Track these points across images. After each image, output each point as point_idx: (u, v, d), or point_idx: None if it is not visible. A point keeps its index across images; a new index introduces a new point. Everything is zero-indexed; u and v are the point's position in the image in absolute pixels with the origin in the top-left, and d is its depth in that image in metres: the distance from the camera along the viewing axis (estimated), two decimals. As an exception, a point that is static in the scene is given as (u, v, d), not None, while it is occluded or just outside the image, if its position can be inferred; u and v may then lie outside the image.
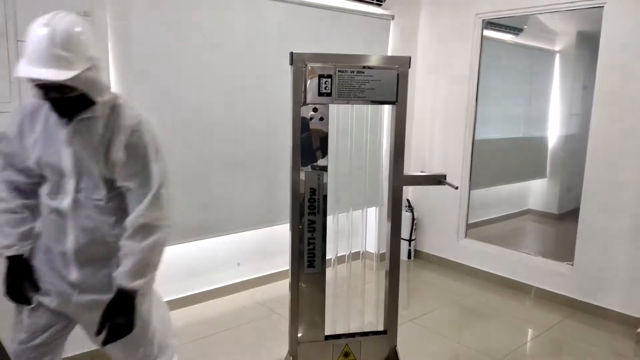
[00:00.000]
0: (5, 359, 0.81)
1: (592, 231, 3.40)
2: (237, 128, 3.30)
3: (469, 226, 4.32)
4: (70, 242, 1.64)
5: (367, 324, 2.58)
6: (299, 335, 2.31)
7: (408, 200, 4.47)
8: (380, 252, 2.65)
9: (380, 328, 2.46)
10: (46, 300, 1.70)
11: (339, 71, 2.09)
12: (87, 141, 1.59)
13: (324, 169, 2.20)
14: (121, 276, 1.59)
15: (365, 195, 2.60)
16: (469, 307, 3.60)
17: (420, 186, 4.47)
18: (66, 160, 1.60)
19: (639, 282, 3.13)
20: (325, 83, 2.09)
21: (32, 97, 1.60)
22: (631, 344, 3.03)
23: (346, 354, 2.36)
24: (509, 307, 3.56)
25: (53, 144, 1.60)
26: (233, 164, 3.30)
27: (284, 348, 2.43)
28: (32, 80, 1.45)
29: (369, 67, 2.12)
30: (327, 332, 2.36)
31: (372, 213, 4.01)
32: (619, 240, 3.28)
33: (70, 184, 1.62)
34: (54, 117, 1.59)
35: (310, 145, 2.18)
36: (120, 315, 1.60)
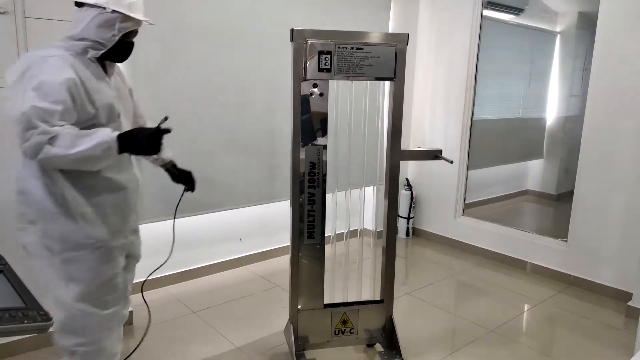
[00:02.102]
0: (36, 307, 0.88)
1: (587, 209, 3.48)
2: (239, 105, 3.36)
3: (467, 206, 4.40)
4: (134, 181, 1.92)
5: (364, 295, 2.67)
6: (299, 303, 2.40)
7: (407, 179, 4.54)
8: (378, 230, 2.73)
9: (378, 298, 2.56)
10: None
11: (339, 47, 2.15)
12: (122, 87, 1.90)
13: (324, 146, 2.28)
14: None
15: (364, 173, 2.68)
16: (465, 281, 3.70)
17: (419, 166, 4.55)
18: (117, 104, 1.81)
19: (630, 258, 3.21)
20: (325, 59, 2.15)
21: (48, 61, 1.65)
22: (622, 316, 3.13)
23: (344, 322, 2.46)
24: (504, 282, 3.66)
25: (103, 91, 1.76)
26: (234, 141, 3.37)
27: (285, 318, 2.53)
28: (138, 24, 1.75)
29: (368, 44, 2.18)
30: (326, 301, 2.46)
31: (370, 191, 4.09)
32: (612, 217, 3.36)
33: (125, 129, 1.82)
34: (92, 67, 1.74)
35: (310, 121, 2.25)
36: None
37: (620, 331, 2.96)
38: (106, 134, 1.64)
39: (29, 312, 0.87)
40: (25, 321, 0.84)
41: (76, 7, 1.73)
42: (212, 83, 3.19)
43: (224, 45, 3.21)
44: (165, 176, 2.18)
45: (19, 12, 2.25)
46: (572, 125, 5.10)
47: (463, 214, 4.37)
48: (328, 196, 2.36)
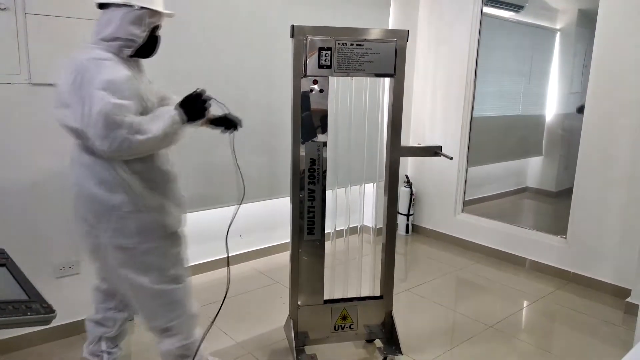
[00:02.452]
0: (39, 299, 0.89)
1: (586, 205, 3.49)
2: (238, 101, 3.36)
3: (467, 203, 4.41)
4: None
5: (364, 291, 2.68)
6: (299, 299, 2.41)
7: (407, 176, 4.55)
8: (378, 226, 2.73)
9: (377, 294, 2.57)
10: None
11: (339, 44, 2.15)
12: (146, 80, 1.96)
13: (324, 143, 2.28)
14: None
15: (364, 170, 2.69)
16: (464, 278, 3.71)
17: (419, 163, 4.56)
18: (151, 97, 1.90)
19: (629, 254, 3.22)
20: (325, 55, 2.15)
21: (95, 57, 1.74)
22: (620, 313, 3.14)
23: (344, 317, 2.47)
24: (503, 278, 3.67)
25: (143, 86, 1.86)
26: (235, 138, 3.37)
27: (284, 314, 2.54)
28: (162, 18, 1.86)
29: (368, 40, 2.18)
30: (326, 297, 2.47)
31: (370, 188, 4.10)
32: (611, 214, 3.36)
33: None
34: (129, 64, 1.83)
35: (310, 117, 2.25)
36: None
37: (618, 327, 2.97)
38: (169, 110, 1.80)
39: (32, 304, 0.88)
40: (29, 313, 0.85)
41: (100, 9, 1.80)
42: (211, 79, 3.19)
43: (224, 42, 3.21)
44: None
45: (19, 8, 2.25)
46: (571, 122, 5.11)
47: (463, 210, 4.38)
48: (328, 193, 2.37)
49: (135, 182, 1.82)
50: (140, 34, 1.80)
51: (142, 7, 1.76)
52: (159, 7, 1.82)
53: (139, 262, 1.89)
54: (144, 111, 1.80)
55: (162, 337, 2.04)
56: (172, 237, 1.96)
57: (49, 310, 0.89)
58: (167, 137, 1.77)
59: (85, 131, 1.69)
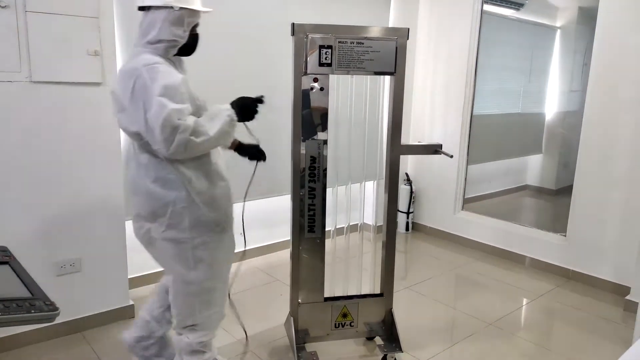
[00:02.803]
0: (42, 297, 0.90)
1: (585, 203, 3.50)
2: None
3: (466, 201, 4.42)
4: None
5: (364, 289, 2.69)
6: (300, 297, 2.42)
7: (407, 174, 4.55)
8: (378, 224, 2.74)
9: (377, 291, 2.57)
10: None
11: (339, 42, 2.15)
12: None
13: (324, 141, 2.29)
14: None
15: (364, 168, 2.69)
16: (464, 276, 3.72)
17: (419, 161, 4.56)
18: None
19: (629, 252, 3.23)
20: (325, 53, 2.15)
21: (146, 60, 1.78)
22: (620, 310, 3.15)
23: (344, 315, 2.48)
24: (503, 276, 3.68)
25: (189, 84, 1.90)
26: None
27: (285, 311, 2.55)
28: (200, 16, 1.90)
29: (369, 38, 2.18)
30: (326, 295, 2.48)
31: (370, 186, 4.11)
32: (611, 212, 3.37)
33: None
34: (176, 65, 1.91)
35: (310, 115, 2.25)
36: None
37: (618, 325, 2.98)
38: (224, 109, 1.87)
39: (36, 302, 0.88)
40: (32, 311, 0.86)
41: (141, 12, 1.86)
42: (210, 77, 3.19)
43: (224, 41, 3.21)
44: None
45: (20, 6, 2.26)
46: (571, 120, 5.11)
47: (462, 208, 4.39)
48: (328, 190, 2.37)
49: (189, 179, 1.88)
50: (182, 34, 1.86)
51: (181, 8, 1.81)
52: (197, 6, 1.87)
53: (189, 256, 1.94)
54: (196, 110, 1.86)
55: (186, 331, 2.07)
56: (222, 233, 2.03)
57: (53, 307, 0.89)
58: (223, 137, 1.87)
59: (146, 134, 1.77)
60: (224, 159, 2.09)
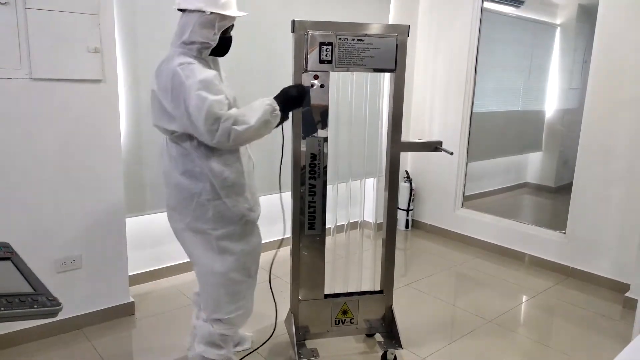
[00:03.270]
0: (45, 292, 0.91)
1: (585, 200, 3.50)
2: (237, 96, 3.35)
3: (466, 198, 4.42)
4: None
5: (364, 286, 2.69)
6: (300, 294, 2.43)
7: (407, 172, 4.56)
8: (378, 222, 2.74)
9: (377, 288, 2.58)
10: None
11: (340, 39, 2.15)
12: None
13: (325, 139, 2.29)
14: None
15: (365, 165, 2.69)
16: (464, 273, 3.73)
17: (418, 158, 4.57)
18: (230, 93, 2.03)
19: (628, 250, 3.24)
20: (326, 50, 2.15)
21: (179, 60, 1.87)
22: (619, 307, 3.16)
23: (344, 312, 2.48)
24: (503, 273, 3.69)
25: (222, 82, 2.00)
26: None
27: (285, 309, 2.56)
28: (233, 19, 1.97)
29: (369, 35, 2.18)
30: (327, 292, 2.48)
31: (370, 184, 4.11)
32: (610, 209, 3.38)
33: None
34: (209, 64, 1.98)
35: (310, 113, 2.25)
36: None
37: (617, 321, 2.99)
38: (265, 99, 1.95)
39: (38, 297, 0.89)
40: (35, 306, 0.86)
41: (180, 12, 1.93)
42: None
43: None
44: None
45: (19, 3, 2.25)
46: (571, 118, 5.11)
47: (462, 206, 4.39)
48: (328, 188, 2.37)
49: (214, 173, 1.95)
50: (212, 37, 1.93)
51: (212, 12, 1.87)
52: (228, 12, 1.92)
53: (214, 247, 2.02)
54: (228, 105, 1.92)
55: (212, 323, 2.12)
56: (247, 226, 2.09)
57: (55, 303, 0.90)
58: (264, 125, 1.92)
59: (190, 129, 1.85)
60: (252, 156, 2.15)
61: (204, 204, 1.97)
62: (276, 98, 2.00)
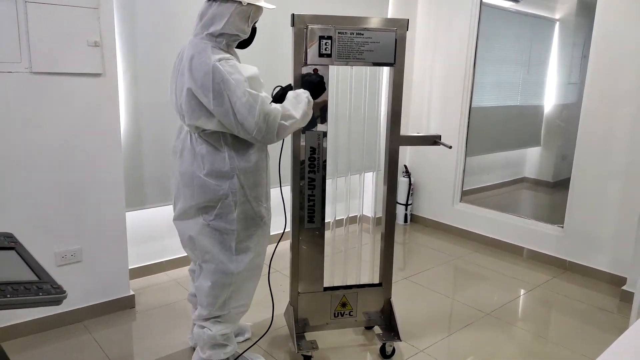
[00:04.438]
0: (50, 280, 0.93)
1: (583, 195, 3.52)
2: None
3: (465, 193, 4.44)
4: None
5: (363, 279, 2.71)
6: (299, 287, 2.44)
7: (405, 166, 4.57)
8: (377, 216, 2.75)
9: (376, 281, 2.60)
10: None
11: (339, 33, 2.16)
12: None
13: (324, 133, 2.30)
14: None
15: (364, 159, 2.70)
16: (462, 267, 3.75)
17: (417, 153, 4.58)
18: None
19: (625, 243, 3.26)
20: (325, 44, 2.16)
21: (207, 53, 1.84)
22: (616, 300, 3.18)
23: (343, 304, 2.50)
24: (501, 267, 3.71)
25: None
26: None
27: (284, 302, 2.57)
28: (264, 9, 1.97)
29: (368, 29, 2.19)
30: (326, 285, 2.50)
31: (369, 178, 4.12)
32: (608, 204, 3.40)
33: None
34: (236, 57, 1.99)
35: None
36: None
37: (614, 314, 3.02)
38: (302, 93, 2.00)
39: (43, 285, 0.90)
40: (40, 293, 0.87)
41: (207, 2, 1.89)
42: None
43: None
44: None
45: (19, -3, 2.26)
46: (569, 113, 5.12)
47: (461, 200, 4.41)
48: (328, 182, 2.38)
49: (243, 172, 1.98)
50: (245, 29, 1.93)
51: (248, 4, 1.87)
52: (262, 3, 1.93)
53: (233, 247, 2.03)
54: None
55: (209, 323, 2.12)
56: (264, 228, 2.13)
57: (60, 290, 0.91)
58: (305, 118, 1.99)
59: (232, 125, 1.84)
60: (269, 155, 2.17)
61: (229, 204, 1.98)
62: (306, 88, 2.05)
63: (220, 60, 1.81)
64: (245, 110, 1.79)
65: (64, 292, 0.91)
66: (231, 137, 1.94)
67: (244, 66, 1.90)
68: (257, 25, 2.01)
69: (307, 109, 1.99)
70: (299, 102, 1.97)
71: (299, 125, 1.99)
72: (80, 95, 2.51)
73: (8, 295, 0.82)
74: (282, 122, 1.87)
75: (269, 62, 3.43)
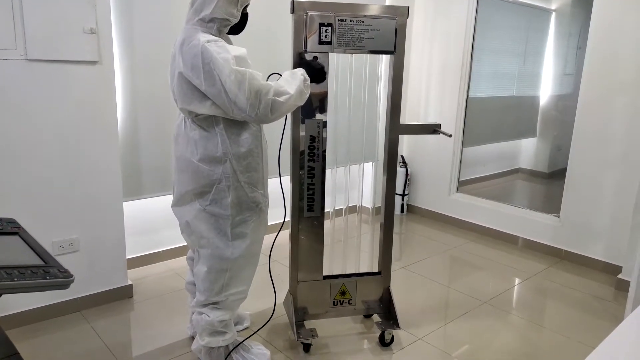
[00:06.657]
0: (56, 265, 0.91)
1: (579, 185, 3.54)
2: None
3: (461, 183, 4.45)
4: None
5: (362, 268, 2.72)
6: (299, 276, 2.44)
7: (402, 157, 4.57)
8: (376, 206, 2.75)
9: (375, 270, 2.60)
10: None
11: (339, 20, 2.14)
12: None
13: (324, 122, 2.29)
14: None
15: (363, 149, 2.69)
16: (458, 256, 3.77)
17: (414, 144, 4.58)
18: None
19: (620, 232, 3.29)
20: (325, 31, 2.14)
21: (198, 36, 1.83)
22: (611, 289, 3.22)
23: (342, 293, 2.51)
24: (497, 257, 3.73)
25: None
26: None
27: (283, 292, 2.58)
28: None
29: (369, 17, 2.18)
30: (325, 274, 2.50)
31: (369, 168, 4.12)
32: (604, 193, 3.42)
33: None
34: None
35: (309, 95, 2.24)
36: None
37: (609, 303, 3.05)
38: (297, 70, 2.00)
39: (50, 269, 0.89)
40: (47, 277, 0.87)
41: None
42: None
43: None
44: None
45: (14, -18, 2.22)
46: (565, 103, 5.14)
47: (457, 190, 4.42)
48: (327, 172, 2.38)
49: (237, 157, 1.98)
50: (235, 14, 1.92)
51: None
52: None
53: (228, 232, 2.03)
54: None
55: (207, 309, 2.13)
56: (261, 214, 2.13)
57: (67, 274, 0.90)
58: (300, 96, 1.96)
59: (225, 106, 1.83)
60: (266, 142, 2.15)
61: (223, 189, 1.98)
62: (304, 66, 2.05)
63: (208, 41, 1.81)
64: (235, 87, 1.78)
65: (71, 275, 0.91)
66: (224, 122, 1.93)
67: (233, 47, 1.90)
68: (256, 15, 2.02)
69: (303, 86, 1.97)
70: (294, 79, 1.95)
71: (294, 102, 1.94)
72: (76, 83, 2.49)
73: (15, 279, 0.81)
74: (276, 97, 1.85)
75: (268, 51, 3.41)
